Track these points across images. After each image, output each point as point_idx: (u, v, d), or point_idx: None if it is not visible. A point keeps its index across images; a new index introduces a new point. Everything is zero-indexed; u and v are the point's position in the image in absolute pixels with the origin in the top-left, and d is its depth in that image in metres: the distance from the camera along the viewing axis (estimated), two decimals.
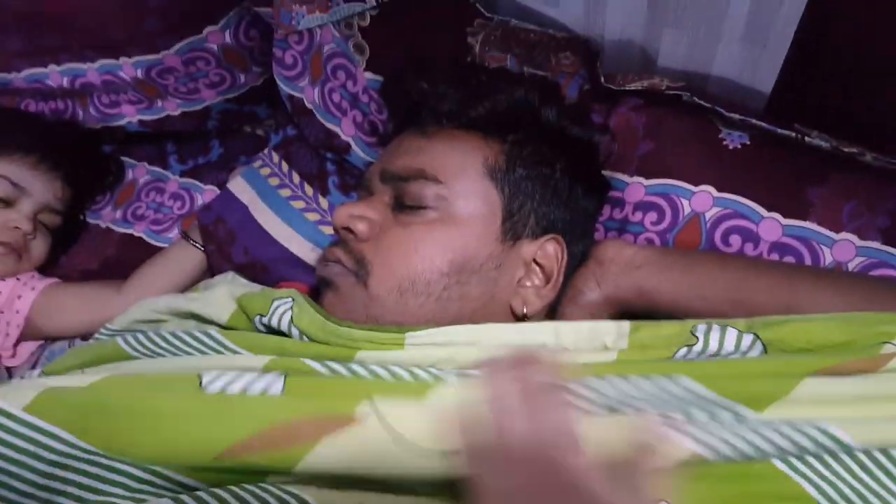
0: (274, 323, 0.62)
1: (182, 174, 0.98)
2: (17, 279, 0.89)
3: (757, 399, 0.50)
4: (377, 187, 0.69)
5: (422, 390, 0.52)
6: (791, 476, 0.48)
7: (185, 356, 0.62)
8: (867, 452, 0.48)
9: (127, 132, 0.97)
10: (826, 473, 0.48)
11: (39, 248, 0.91)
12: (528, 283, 0.67)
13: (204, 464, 0.48)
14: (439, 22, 0.84)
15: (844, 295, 0.62)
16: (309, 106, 0.79)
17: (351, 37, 0.83)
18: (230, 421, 0.50)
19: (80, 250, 0.97)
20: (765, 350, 0.55)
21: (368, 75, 0.83)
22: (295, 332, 0.61)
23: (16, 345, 0.89)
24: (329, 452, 0.47)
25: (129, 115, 0.94)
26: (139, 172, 1.00)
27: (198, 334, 0.62)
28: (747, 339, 0.55)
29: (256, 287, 0.76)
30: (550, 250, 0.67)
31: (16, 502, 0.48)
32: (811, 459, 0.48)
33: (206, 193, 0.95)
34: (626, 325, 0.58)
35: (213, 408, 0.51)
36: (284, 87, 0.77)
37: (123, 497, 0.48)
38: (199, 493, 0.47)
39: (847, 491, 0.47)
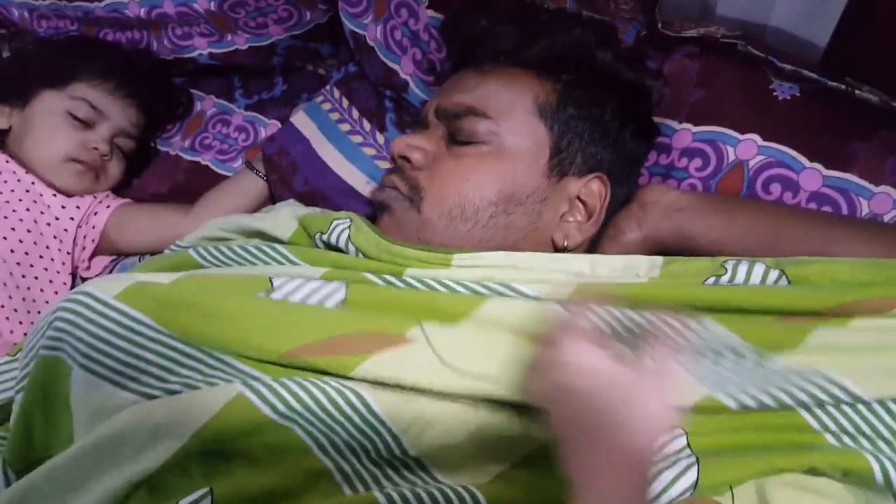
0: (332, 240, 0.67)
1: (247, 108, 1.03)
2: (94, 197, 0.96)
3: (774, 345, 0.53)
4: (432, 123, 0.72)
5: (469, 306, 0.57)
6: (798, 411, 0.52)
7: (251, 266, 0.68)
8: (869, 403, 0.51)
9: (197, 64, 1.02)
10: (830, 409, 0.52)
11: (115, 169, 0.98)
12: (571, 219, 0.71)
13: (271, 359, 0.54)
14: None
15: (876, 244, 0.64)
16: (371, 43, 0.82)
17: None
18: (296, 326, 0.55)
19: (152, 175, 1.03)
20: (789, 283, 0.58)
21: (430, 13, 0.85)
22: (351, 248, 0.66)
23: (91, 258, 0.96)
24: (382, 364, 0.52)
25: (201, 48, 0.99)
26: (207, 104, 1.05)
27: (263, 247, 0.68)
28: (773, 274, 0.58)
29: (317, 210, 0.81)
30: (594, 188, 0.70)
31: (108, 377, 0.54)
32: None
33: (270, 127, 1.00)
34: (658, 259, 0.62)
35: (281, 312, 0.57)
36: (348, 24, 0.81)
37: (198, 380, 0.54)
38: (266, 380, 0.52)
39: (847, 425, 0.52)
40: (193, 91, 1.06)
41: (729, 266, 0.59)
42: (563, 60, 0.72)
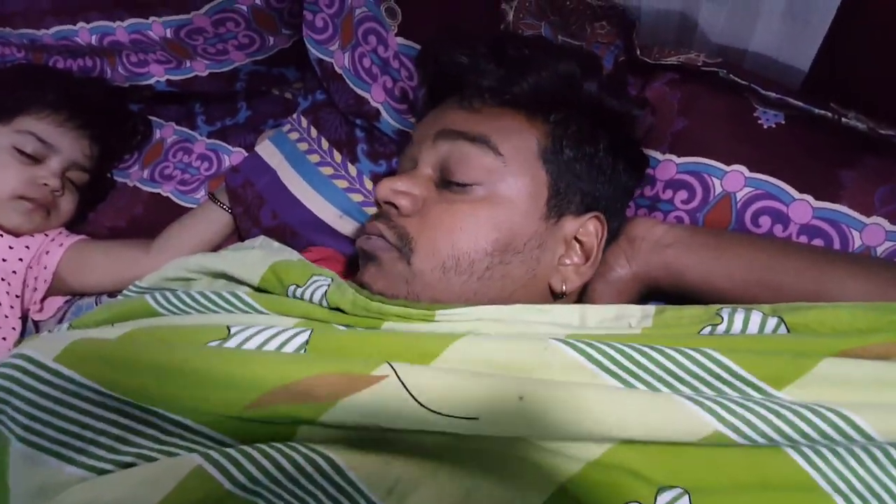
0: (306, 295, 0.62)
1: (209, 135, 0.98)
2: (46, 235, 0.91)
3: (778, 378, 0.50)
4: (425, 151, 0.68)
5: (441, 344, 0.52)
6: (803, 466, 0.48)
7: (213, 314, 0.63)
8: (881, 447, 0.48)
9: (154, 91, 0.97)
10: (837, 463, 0.49)
11: (67, 204, 0.92)
12: (569, 261, 0.67)
13: (233, 413, 0.49)
14: None
15: (872, 281, 0.61)
16: (339, 70, 0.78)
17: (383, 1, 0.82)
18: (257, 375, 0.50)
19: (108, 208, 0.98)
20: (788, 331, 0.55)
21: (400, 41, 0.81)
22: (325, 304, 0.61)
23: (43, 299, 0.91)
24: (351, 406, 0.48)
25: (157, 75, 0.94)
26: (167, 132, 1.00)
27: (227, 295, 0.63)
28: (772, 322, 0.55)
29: (292, 252, 0.76)
30: (591, 228, 0.68)
31: (52, 450, 0.49)
32: (825, 451, 0.49)
33: (234, 155, 0.95)
34: (650, 308, 0.58)
35: (240, 362, 0.52)
36: (314, 51, 0.77)
37: (153, 449, 0.49)
38: (228, 448, 0.48)
39: (856, 482, 0.48)
40: (152, 118, 1.01)
41: (725, 314, 0.56)
42: (552, 98, 0.68)
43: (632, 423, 0.48)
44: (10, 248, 0.87)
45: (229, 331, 0.55)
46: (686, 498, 0.48)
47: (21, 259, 0.88)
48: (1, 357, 0.58)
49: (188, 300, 0.64)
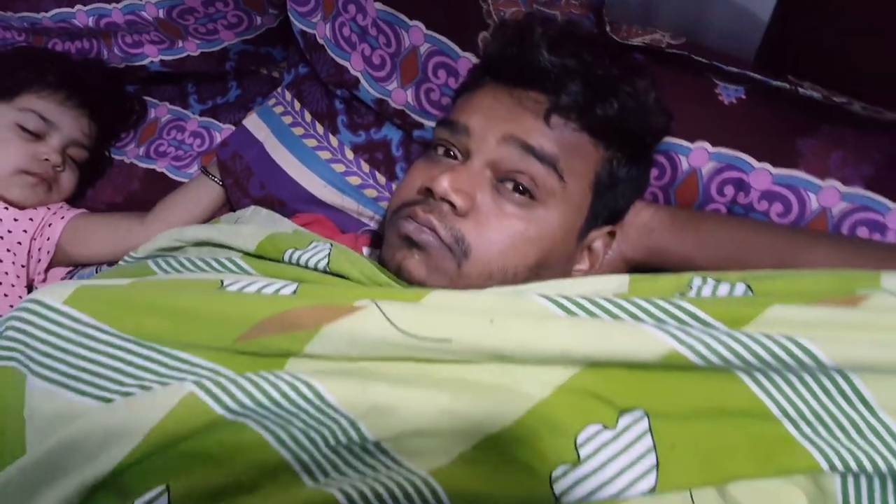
0: (303, 259, 0.65)
1: (201, 113, 1.03)
2: (48, 209, 0.95)
3: (736, 319, 0.53)
4: (486, 148, 0.65)
5: (422, 293, 0.57)
6: (756, 393, 0.52)
7: (208, 273, 0.67)
8: (827, 373, 0.51)
9: (149, 71, 1.01)
10: (788, 391, 0.52)
11: (68, 180, 0.97)
12: (577, 266, 0.71)
13: (226, 345, 0.54)
14: None
15: (836, 250, 0.65)
16: (321, 41, 0.82)
17: None
18: (246, 308, 0.55)
19: (106, 184, 1.02)
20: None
21: (379, 6, 0.82)
22: (327, 270, 0.64)
23: (47, 270, 0.95)
24: (333, 332, 0.52)
25: (151, 55, 0.98)
26: (161, 111, 1.04)
27: (222, 259, 0.67)
28: (739, 287, 0.58)
29: (283, 220, 0.78)
30: (604, 241, 0.72)
31: (66, 384, 0.55)
32: (778, 379, 0.52)
33: (225, 132, 1.00)
34: (625, 277, 0.61)
35: (230, 299, 0.57)
36: (297, 23, 0.80)
37: (152, 381, 0.54)
38: (218, 378, 0.52)
39: (805, 410, 0.51)
40: (147, 98, 1.06)
41: (696, 284, 0.59)
42: (624, 126, 0.68)
43: (594, 343, 0.51)
44: (15, 220, 0.92)
45: (222, 283, 0.60)
46: (645, 420, 0.52)
47: (25, 231, 0.92)
48: None
49: (187, 264, 0.68)
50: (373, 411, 0.52)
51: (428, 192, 0.65)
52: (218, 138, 0.99)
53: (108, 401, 0.54)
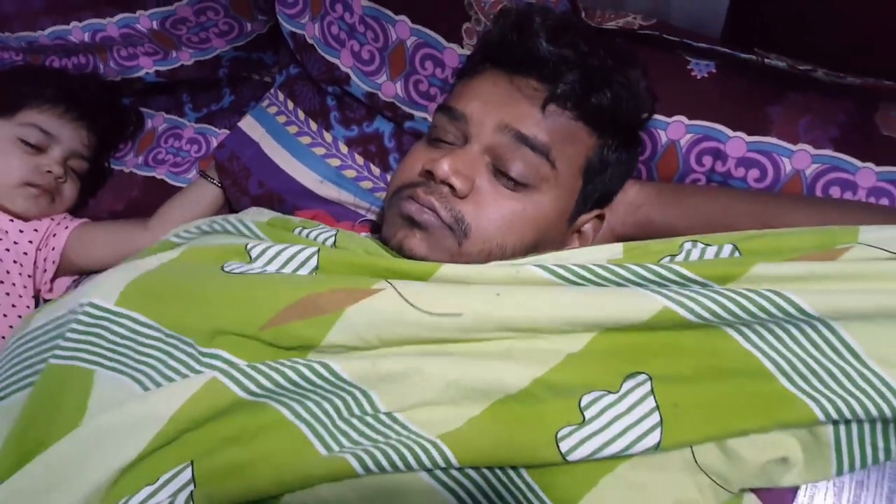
0: (312, 236, 0.69)
1: (197, 120, 1.06)
2: (52, 219, 0.98)
3: (723, 277, 0.57)
4: (483, 134, 0.68)
5: (433, 266, 0.61)
6: (750, 350, 0.55)
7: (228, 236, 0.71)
8: (814, 325, 0.55)
9: (144, 83, 1.04)
10: (779, 346, 0.56)
11: (70, 191, 1.00)
12: (569, 248, 0.75)
13: (250, 334, 0.58)
14: None
15: (814, 210, 0.69)
16: (310, 41, 0.85)
17: None
18: (273, 293, 0.59)
19: (107, 194, 1.05)
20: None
21: (365, 3, 0.86)
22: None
23: (53, 279, 0.98)
24: (355, 314, 0.56)
25: (146, 67, 1.02)
26: (157, 121, 1.08)
27: (235, 222, 0.71)
28: (727, 248, 0.61)
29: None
30: (594, 224, 0.75)
31: (127, 373, 0.59)
32: (766, 333, 0.56)
33: (221, 137, 1.03)
34: (619, 245, 0.65)
35: (258, 283, 0.61)
36: (287, 25, 0.84)
37: (185, 372, 0.58)
38: (241, 366, 0.56)
39: (797, 363, 0.55)
40: (143, 110, 1.09)
41: (686, 247, 0.62)
42: (612, 117, 0.72)
43: (592, 309, 0.55)
44: (21, 231, 0.95)
45: (250, 256, 0.64)
46: (648, 383, 0.55)
47: (31, 242, 0.95)
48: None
49: (204, 227, 0.72)
50: (384, 382, 0.55)
51: (429, 175, 0.68)
52: (214, 143, 1.03)
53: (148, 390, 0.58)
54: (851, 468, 0.59)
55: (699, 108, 0.80)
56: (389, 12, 0.85)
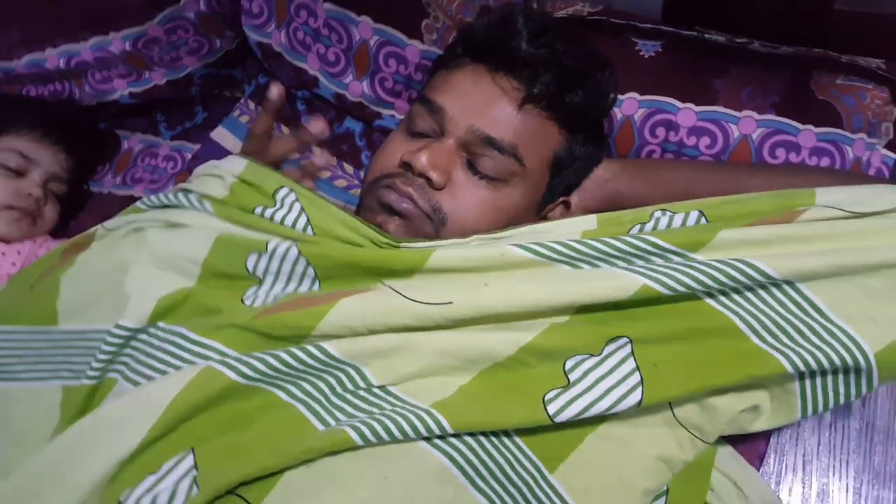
0: (277, 218, 0.67)
1: (172, 138, 1.09)
2: (33, 241, 1.00)
3: (693, 244, 0.61)
4: (458, 131, 0.71)
5: (420, 258, 0.62)
6: (722, 311, 0.59)
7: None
8: (779, 286, 0.59)
9: (119, 105, 1.08)
10: (749, 307, 0.59)
11: (50, 213, 1.02)
12: None
13: (245, 323, 0.60)
14: None
15: (771, 176, 0.73)
16: (277, 49, 0.90)
17: None
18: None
19: (87, 216, 1.07)
20: (707, 222, 0.65)
21: (328, 6, 0.90)
22: (310, 231, 0.66)
23: None
24: (349, 305, 0.58)
25: (121, 89, 1.05)
26: (133, 142, 1.11)
27: (192, 199, 0.70)
28: (693, 215, 0.65)
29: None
30: (560, 210, 0.79)
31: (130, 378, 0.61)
32: (737, 297, 0.59)
33: (194, 152, 1.06)
34: (593, 217, 0.68)
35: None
36: (253, 36, 0.88)
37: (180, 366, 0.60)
38: (235, 354, 0.58)
39: (767, 321, 0.59)
40: (119, 131, 1.12)
41: (656, 216, 0.66)
42: (584, 115, 0.75)
43: (577, 291, 0.58)
44: (3, 254, 0.96)
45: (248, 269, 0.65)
46: (629, 346, 0.59)
47: (14, 264, 0.97)
48: None
49: (164, 199, 0.72)
50: (375, 357, 0.58)
51: (407, 167, 0.70)
52: (188, 158, 1.05)
53: None
54: (815, 411, 0.63)
55: (649, 85, 0.86)
56: (352, 14, 0.90)
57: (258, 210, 0.67)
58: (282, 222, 0.66)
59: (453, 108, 0.71)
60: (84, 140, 1.06)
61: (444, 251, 0.63)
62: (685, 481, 0.64)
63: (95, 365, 0.61)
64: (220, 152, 0.96)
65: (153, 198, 0.73)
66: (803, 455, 0.75)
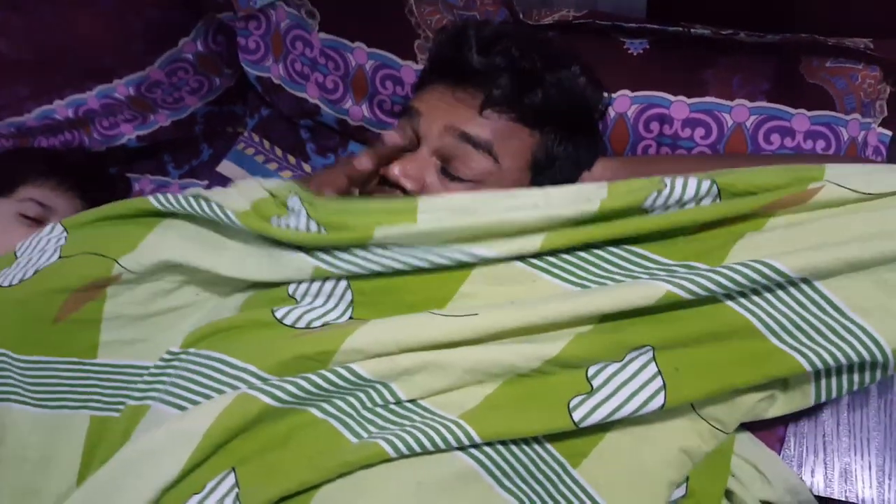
0: (292, 224, 0.67)
1: (181, 177, 1.12)
2: None
3: (710, 258, 0.62)
4: (431, 137, 0.73)
5: (451, 289, 0.64)
6: (741, 313, 0.60)
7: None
8: (796, 285, 0.60)
9: (127, 150, 1.10)
10: (767, 307, 0.60)
11: None
12: None
13: (280, 345, 0.61)
14: None
15: (760, 163, 0.72)
16: (277, 81, 0.92)
17: (302, 6, 0.95)
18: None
19: None
20: (719, 193, 0.64)
21: (322, 36, 0.93)
22: (313, 227, 0.67)
23: None
24: (381, 323, 0.61)
25: (128, 133, 1.08)
26: (144, 184, 1.13)
27: (216, 208, 0.69)
28: (706, 183, 0.64)
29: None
30: None
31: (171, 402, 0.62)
32: (756, 297, 0.60)
33: (204, 188, 1.08)
34: (604, 184, 0.67)
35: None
36: (252, 71, 0.91)
37: (215, 387, 0.61)
38: (269, 380, 0.60)
39: (785, 321, 0.60)
40: (129, 175, 1.15)
41: (668, 181, 0.65)
42: (553, 112, 0.76)
43: (603, 299, 0.60)
44: None
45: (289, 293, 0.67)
46: (650, 352, 0.60)
47: None
48: None
49: (188, 207, 0.71)
50: (403, 374, 0.59)
51: (384, 179, 0.74)
52: None
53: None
54: (828, 397, 0.64)
55: (640, 81, 0.87)
56: (346, 41, 0.92)
57: (274, 221, 0.69)
58: (297, 227, 0.67)
59: (425, 120, 0.75)
60: (97, 185, 1.09)
61: (475, 283, 0.65)
62: (705, 468, 0.66)
63: (136, 395, 0.64)
64: (227, 185, 0.98)
65: (171, 199, 0.71)
66: (823, 436, 0.75)
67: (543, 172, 0.76)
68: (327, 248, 0.65)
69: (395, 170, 0.72)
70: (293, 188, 0.70)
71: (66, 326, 0.68)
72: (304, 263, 0.65)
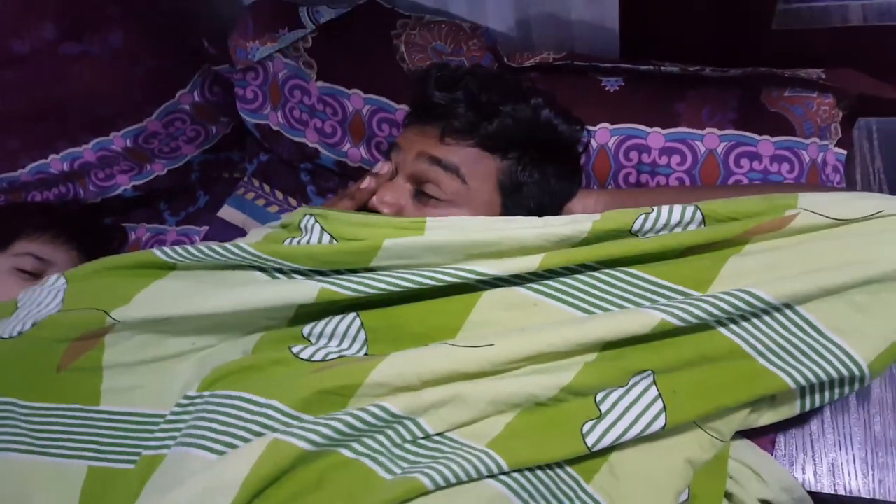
0: (304, 242, 0.73)
1: (177, 224, 1.14)
2: None
3: (698, 283, 0.69)
4: (406, 164, 0.80)
5: (461, 316, 0.70)
6: (730, 337, 0.66)
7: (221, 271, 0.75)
8: (780, 310, 0.66)
9: (123, 200, 1.12)
10: (754, 331, 0.67)
11: None
12: None
13: (301, 381, 0.64)
14: (369, 29, 0.99)
15: (737, 192, 0.78)
16: (275, 128, 0.96)
17: (299, 57, 0.99)
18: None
19: None
20: (703, 220, 0.71)
21: (320, 84, 0.98)
22: (325, 238, 0.73)
23: None
24: (401, 357, 0.64)
25: (124, 184, 1.10)
26: (140, 232, 1.15)
27: (230, 247, 0.73)
28: (689, 209, 0.71)
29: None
30: None
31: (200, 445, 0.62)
32: (744, 322, 0.67)
33: (203, 232, 1.10)
34: (597, 214, 0.73)
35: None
36: (250, 119, 0.95)
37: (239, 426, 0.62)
38: (298, 424, 0.61)
39: (770, 343, 0.66)
40: (125, 224, 1.16)
41: (655, 207, 0.71)
42: (510, 139, 0.80)
43: (604, 327, 0.65)
44: None
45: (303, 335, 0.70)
46: (651, 377, 0.66)
47: None
48: None
49: (196, 252, 0.74)
50: (430, 409, 0.63)
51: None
52: (198, 240, 1.10)
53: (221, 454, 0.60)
54: (812, 407, 0.71)
55: (618, 115, 0.94)
56: (343, 88, 0.97)
57: (287, 242, 0.74)
58: (308, 242, 0.73)
59: (400, 152, 0.82)
60: (92, 237, 1.10)
61: (486, 307, 0.69)
62: (705, 473, 0.71)
63: (154, 444, 0.65)
64: (228, 229, 1.01)
65: (178, 250, 0.75)
66: (810, 434, 0.80)
67: (512, 196, 0.81)
68: (332, 273, 0.70)
69: (374, 199, 0.80)
70: (306, 210, 0.76)
71: (69, 375, 0.70)
72: (309, 286, 0.69)
